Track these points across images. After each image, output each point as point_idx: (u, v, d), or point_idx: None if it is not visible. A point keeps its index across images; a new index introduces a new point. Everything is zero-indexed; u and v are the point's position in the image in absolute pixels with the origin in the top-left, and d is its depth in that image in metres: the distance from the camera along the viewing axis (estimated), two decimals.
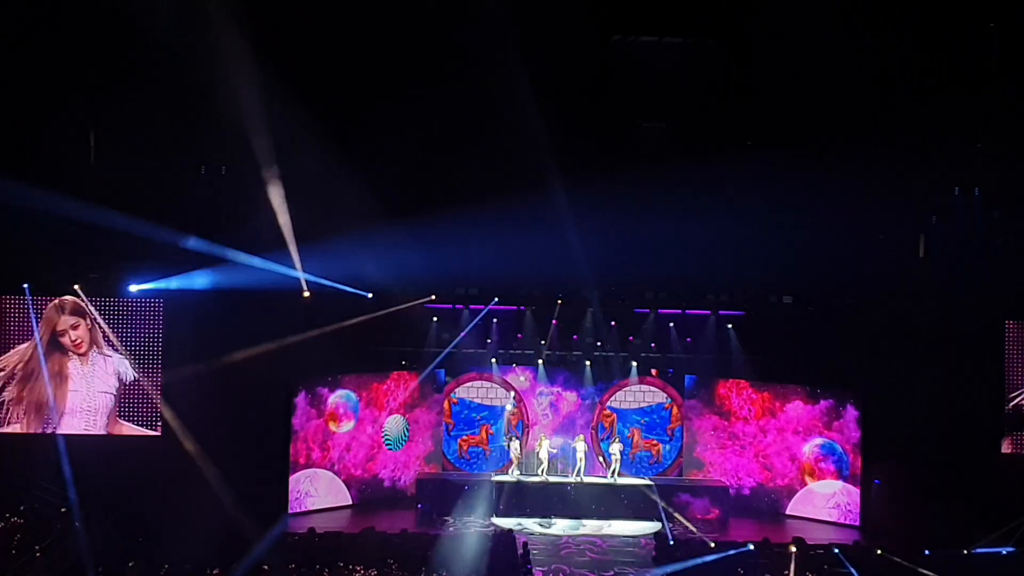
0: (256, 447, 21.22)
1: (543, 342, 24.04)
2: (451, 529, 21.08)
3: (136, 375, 21.33)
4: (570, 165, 21.80)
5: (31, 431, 21.08)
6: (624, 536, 21.25)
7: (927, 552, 17.77)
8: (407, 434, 23.83)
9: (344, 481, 22.85)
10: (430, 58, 20.58)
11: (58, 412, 21.02)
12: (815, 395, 22.73)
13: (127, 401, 21.46)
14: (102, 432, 21.30)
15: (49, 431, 21.03)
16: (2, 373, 21.01)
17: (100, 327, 21.27)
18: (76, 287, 21.11)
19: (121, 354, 21.34)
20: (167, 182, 21.04)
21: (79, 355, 21.29)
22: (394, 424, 23.63)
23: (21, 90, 19.97)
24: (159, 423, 21.36)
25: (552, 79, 20.78)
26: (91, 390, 21.32)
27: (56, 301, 21.16)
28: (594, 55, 21.31)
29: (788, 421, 23.07)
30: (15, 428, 21.04)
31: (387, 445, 23.52)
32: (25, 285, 20.99)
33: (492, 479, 23.02)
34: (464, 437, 24.41)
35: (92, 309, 21.24)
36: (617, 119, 22.29)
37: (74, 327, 21.23)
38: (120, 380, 21.37)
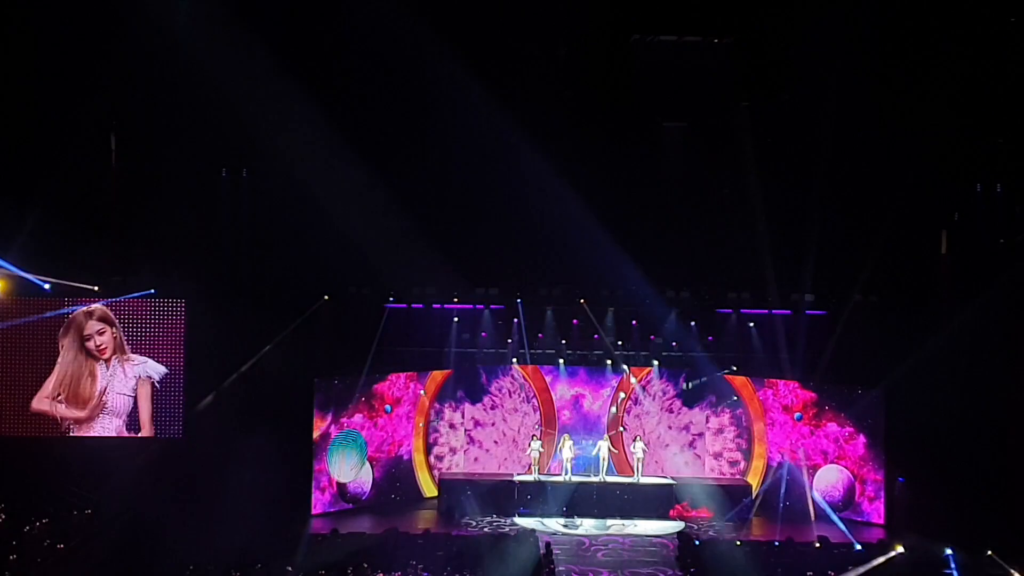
0: (278, 447, 21.26)
1: (564, 341, 24.02)
2: (474, 530, 21.09)
3: (161, 375, 21.44)
4: (592, 164, 21.85)
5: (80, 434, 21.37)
6: (647, 536, 21.22)
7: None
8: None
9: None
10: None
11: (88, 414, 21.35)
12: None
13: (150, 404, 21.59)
14: (123, 435, 21.40)
15: (75, 433, 21.28)
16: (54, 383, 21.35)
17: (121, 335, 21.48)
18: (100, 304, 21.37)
19: (147, 358, 21.51)
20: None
21: (103, 360, 21.43)
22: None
23: (42, 91, 20.13)
24: (181, 425, 21.45)
25: (572, 79, 20.80)
26: (111, 392, 21.45)
27: (85, 308, 21.31)
28: (614, 55, 21.27)
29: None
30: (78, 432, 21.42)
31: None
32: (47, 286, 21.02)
33: (514, 479, 23.05)
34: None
35: (114, 318, 21.44)
36: (638, 119, 22.21)
37: (100, 333, 21.39)
38: (142, 385, 21.48)
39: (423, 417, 23.98)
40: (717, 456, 24.51)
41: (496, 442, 24.57)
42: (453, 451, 24.48)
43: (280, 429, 21.14)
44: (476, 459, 24.49)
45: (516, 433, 24.50)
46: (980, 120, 20.88)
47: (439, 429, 24.30)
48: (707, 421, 24.55)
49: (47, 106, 20.13)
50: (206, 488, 20.41)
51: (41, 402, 21.25)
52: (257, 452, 20.35)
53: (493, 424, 24.65)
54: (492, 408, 24.66)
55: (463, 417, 24.60)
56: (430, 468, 24.05)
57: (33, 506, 18.55)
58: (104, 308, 21.40)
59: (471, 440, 24.58)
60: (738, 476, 24.09)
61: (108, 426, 21.41)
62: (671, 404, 24.58)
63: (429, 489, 23.85)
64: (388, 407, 23.11)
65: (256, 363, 21.30)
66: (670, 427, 24.48)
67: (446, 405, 24.44)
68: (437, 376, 24.07)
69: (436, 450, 24.26)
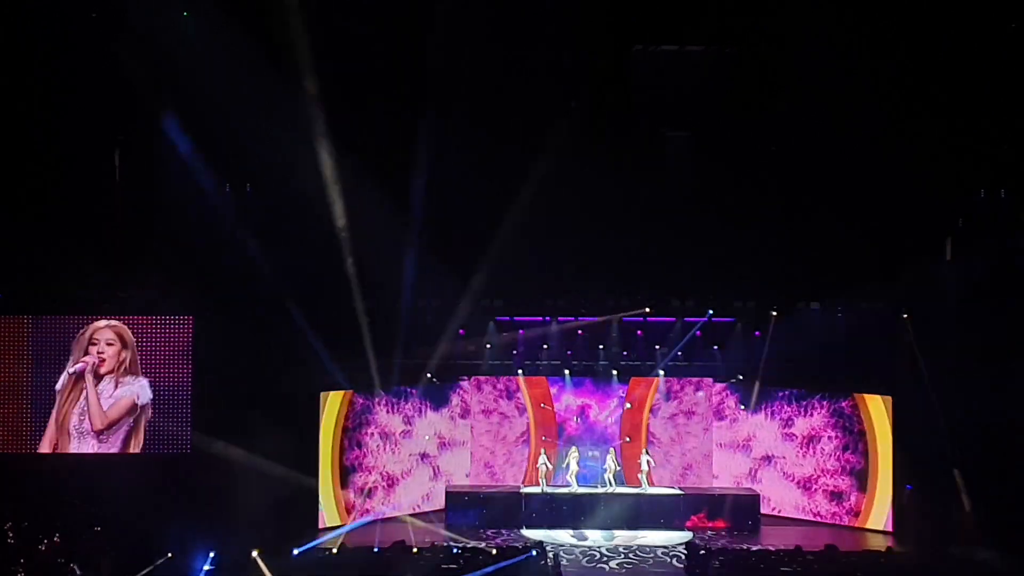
0: (285, 462, 21.24)
1: (569, 352, 23.98)
2: (481, 542, 21.03)
3: (150, 399, 21.38)
4: (593, 173, 21.88)
5: (67, 451, 21.29)
6: (656, 546, 21.18)
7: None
8: None
9: None
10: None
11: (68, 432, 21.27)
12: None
13: (154, 420, 21.51)
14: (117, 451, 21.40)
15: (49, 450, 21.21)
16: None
17: (134, 357, 21.40)
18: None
19: (145, 380, 21.48)
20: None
21: (96, 375, 21.37)
22: None
23: (47, 109, 20.22)
24: (189, 441, 21.45)
25: (574, 88, 20.85)
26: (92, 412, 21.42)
27: (105, 320, 21.33)
28: (616, 64, 21.31)
29: None
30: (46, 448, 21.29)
31: None
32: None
33: (521, 491, 22.99)
34: None
35: (130, 339, 21.41)
36: (640, 128, 22.22)
37: (109, 343, 21.37)
38: (134, 405, 21.43)
39: (331, 441, 21.90)
40: (807, 485, 22.84)
41: (466, 473, 24.05)
42: (392, 481, 22.53)
43: (287, 444, 21.14)
44: (428, 496, 22.99)
45: (491, 455, 23.95)
46: (983, 126, 20.87)
47: (364, 443, 22.46)
48: (787, 426, 23.43)
49: (50, 122, 20.21)
50: (213, 503, 20.39)
51: (44, 447, 21.31)
52: (264, 467, 20.37)
53: (464, 444, 24.08)
54: (463, 416, 24.09)
55: (408, 424, 23.22)
56: (348, 508, 21.83)
57: (41, 524, 18.55)
58: (123, 326, 21.39)
59: (423, 459, 23.30)
60: (850, 517, 21.88)
61: (83, 447, 21.32)
62: (721, 406, 24.04)
63: (332, 518, 21.61)
64: None
65: (263, 378, 21.24)
66: (720, 445, 24.01)
67: (378, 402, 22.40)
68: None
69: (358, 479, 22.18)
